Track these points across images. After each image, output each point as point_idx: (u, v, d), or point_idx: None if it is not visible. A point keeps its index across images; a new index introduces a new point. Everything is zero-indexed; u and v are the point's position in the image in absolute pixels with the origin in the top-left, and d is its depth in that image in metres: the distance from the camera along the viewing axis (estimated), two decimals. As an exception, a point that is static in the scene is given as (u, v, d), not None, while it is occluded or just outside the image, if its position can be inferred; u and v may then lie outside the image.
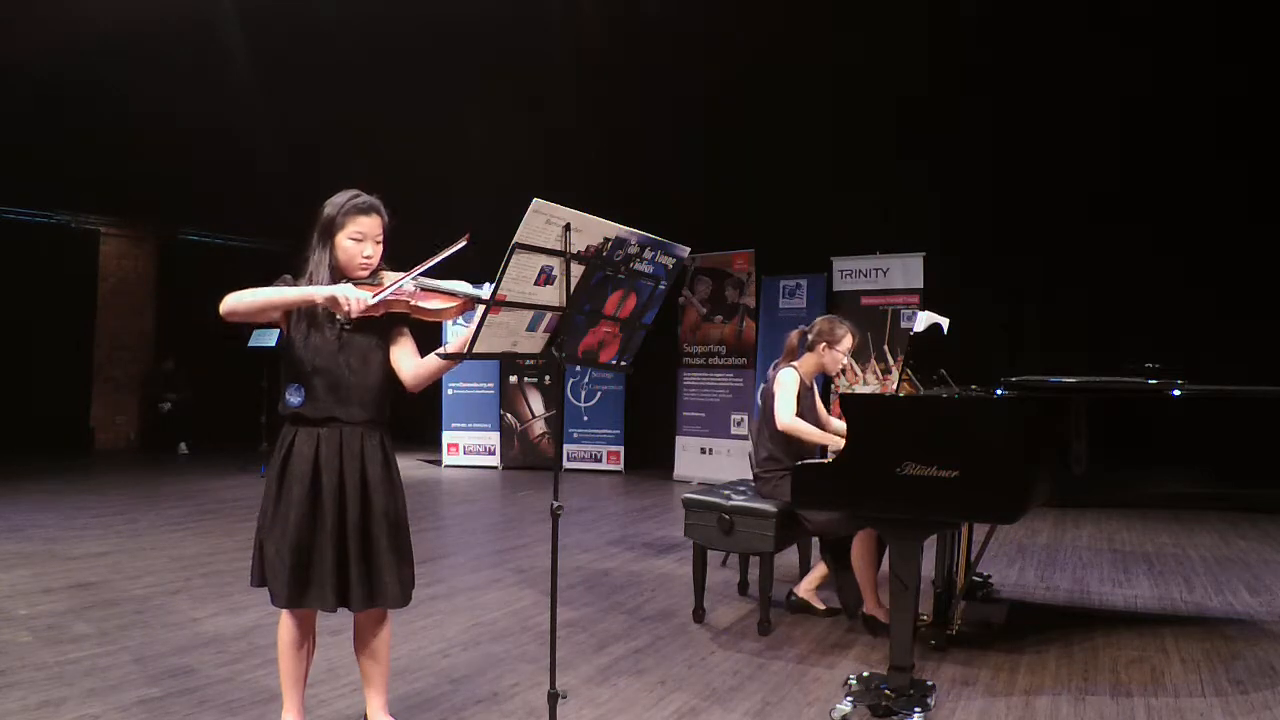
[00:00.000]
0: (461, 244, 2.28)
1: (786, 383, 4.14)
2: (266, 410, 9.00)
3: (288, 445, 2.51)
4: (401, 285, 2.41)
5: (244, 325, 2.83)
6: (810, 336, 4.26)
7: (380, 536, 2.52)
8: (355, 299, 2.32)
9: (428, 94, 9.45)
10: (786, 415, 4.07)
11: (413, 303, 2.45)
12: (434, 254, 2.34)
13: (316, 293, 2.36)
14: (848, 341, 4.20)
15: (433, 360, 2.53)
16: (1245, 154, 7.39)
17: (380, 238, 2.56)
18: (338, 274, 2.52)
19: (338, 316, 2.47)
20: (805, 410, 4.18)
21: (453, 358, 2.40)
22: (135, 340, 11.85)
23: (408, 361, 2.60)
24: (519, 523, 6.81)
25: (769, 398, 4.18)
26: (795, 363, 4.26)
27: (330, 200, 2.55)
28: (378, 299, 2.38)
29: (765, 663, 3.61)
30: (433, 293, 2.48)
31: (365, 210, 2.52)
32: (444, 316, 2.49)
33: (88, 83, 8.94)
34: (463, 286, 2.49)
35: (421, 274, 2.42)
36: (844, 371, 8.40)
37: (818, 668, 3.56)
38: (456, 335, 2.41)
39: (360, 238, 2.51)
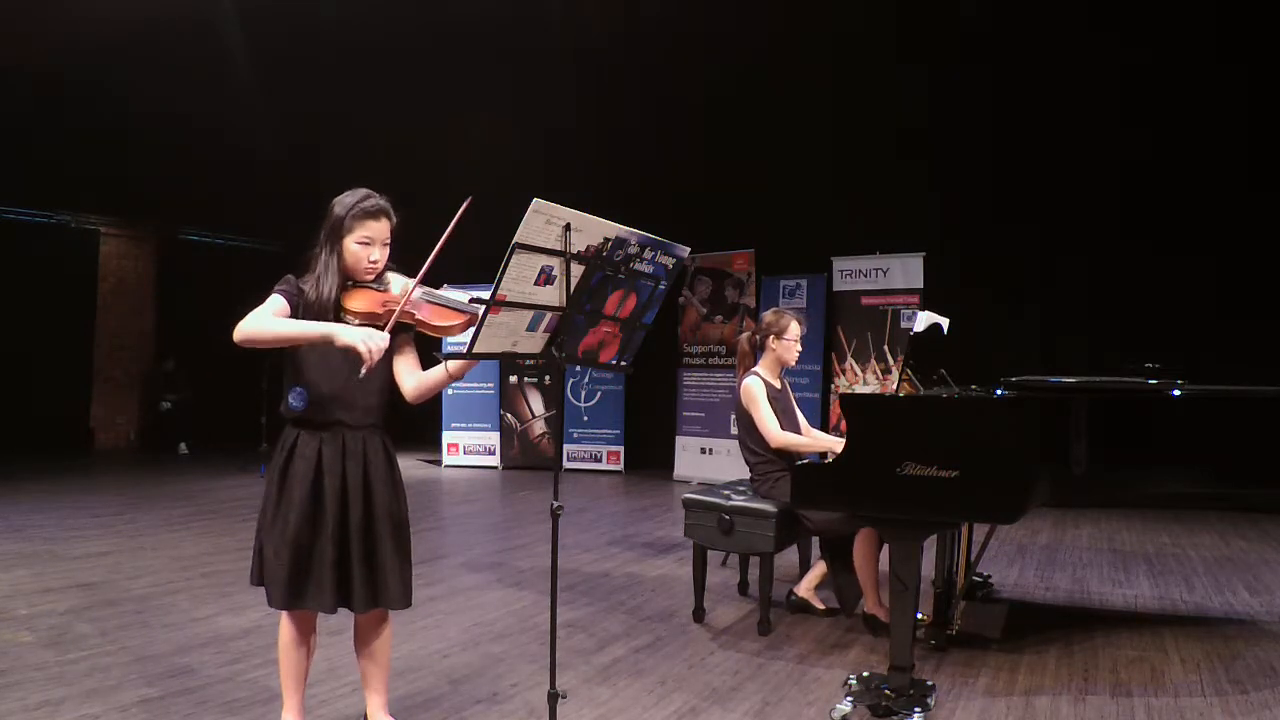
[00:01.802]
0: (463, 208, 2.25)
1: (757, 395, 4.11)
2: (266, 410, 8.99)
3: (290, 447, 2.51)
4: (410, 297, 2.40)
5: None
6: (759, 336, 4.27)
7: (384, 537, 2.52)
8: (376, 347, 2.30)
9: (428, 94, 9.45)
10: (777, 432, 4.07)
11: (418, 315, 2.44)
12: (436, 248, 2.34)
13: (337, 335, 2.32)
14: (794, 328, 4.20)
15: (436, 372, 2.52)
16: (1245, 154, 7.39)
17: (388, 241, 2.55)
18: (344, 275, 2.52)
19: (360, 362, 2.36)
20: (782, 412, 4.17)
21: (454, 358, 2.40)
22: (135, 340, 11.85)
23: (409, 375, 2.59)
24: (519, 523, 6.81)
25: (744, 413, 4.17)
26: (756, 368, 4.26)
27: (339, 200, 2.53)
28: (390, 326, 2.38)
29: (765, 663, 3.61)
30: (439, 306, 2.46)
31: (374, 214, 2.50)
32: (450, 333, 2.46)
33: (88, 83, 8.95)
34: (467, 304, 2.47)
35: (426, 275, 2.42)
36: (845, 371, 8.46)
37: (818, 668, 3.56)
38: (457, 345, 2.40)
39: (368, 241, 2.50)
